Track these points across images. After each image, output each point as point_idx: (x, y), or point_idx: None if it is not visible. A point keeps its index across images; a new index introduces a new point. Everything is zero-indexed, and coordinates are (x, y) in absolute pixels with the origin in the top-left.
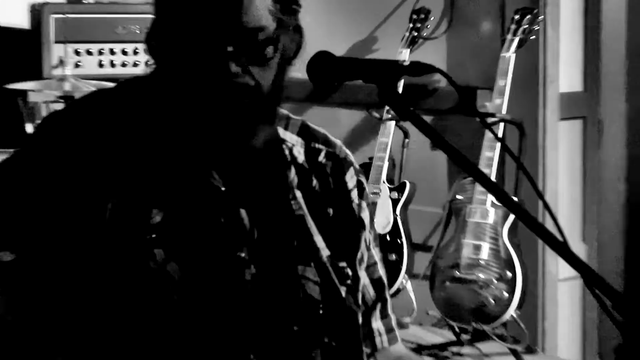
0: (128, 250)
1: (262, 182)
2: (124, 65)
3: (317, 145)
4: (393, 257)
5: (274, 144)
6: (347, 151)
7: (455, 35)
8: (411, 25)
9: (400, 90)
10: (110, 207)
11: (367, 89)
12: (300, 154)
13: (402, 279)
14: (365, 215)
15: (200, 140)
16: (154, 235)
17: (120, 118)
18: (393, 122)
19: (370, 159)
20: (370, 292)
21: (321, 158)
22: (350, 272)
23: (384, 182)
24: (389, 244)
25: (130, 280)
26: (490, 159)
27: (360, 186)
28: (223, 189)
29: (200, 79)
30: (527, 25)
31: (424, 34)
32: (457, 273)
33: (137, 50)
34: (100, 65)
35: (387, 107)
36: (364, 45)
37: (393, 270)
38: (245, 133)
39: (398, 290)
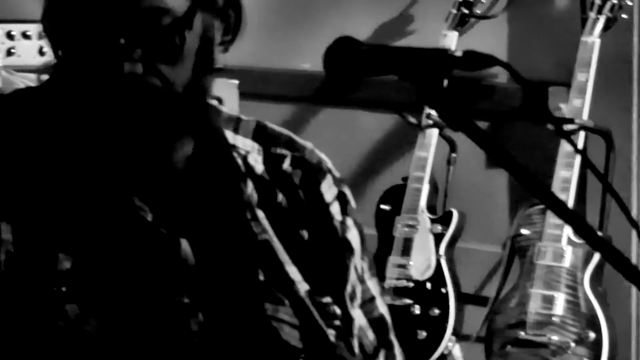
0: (29, 310)
1: (208, 203)
2: None
3: (279, 150)
4: (435, 311)
5: (221, 152)
6: (322, 155)
7: (520, 13)
8: None
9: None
10: (2, 259)
11: (398, 85)
12: (257, 163)
13: (448, 342)
14: (352, 235)
15: (110, 160)
16: (63, 288)
17: (17, 132)
18: (435, 131)
19: (405, 179)
20: (370, 336)
21: (286, 166)
22: (338, 311)
23: (423, 211)
24: (429, 294)
25: (38, 347)
26: (567, 180)
27: (342, 199)
28: (149, 218)
29: (94, 82)
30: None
31: (478, 11)
32: (523, 334)
33: None
34: (42, 52)
35: (426, 110)
36: (394, 26)
37: (435, 330)
38: (161, 146)
39: (442, 357)
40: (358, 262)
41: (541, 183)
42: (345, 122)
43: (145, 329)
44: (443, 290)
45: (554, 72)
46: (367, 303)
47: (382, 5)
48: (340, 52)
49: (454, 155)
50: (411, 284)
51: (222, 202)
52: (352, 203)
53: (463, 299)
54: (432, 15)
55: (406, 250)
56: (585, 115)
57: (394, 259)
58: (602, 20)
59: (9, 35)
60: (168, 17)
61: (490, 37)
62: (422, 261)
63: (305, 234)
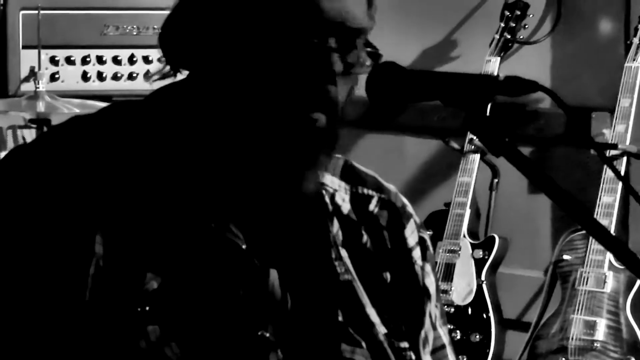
0: (112, 328)
1: (296, 238)
2: (116, 77)
3: (366, 191)
4: (477, 337)
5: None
6: (404, 199)
7: (564, 38)
8: (503, 24)
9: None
10: (92, 272)
11: (442, 111)
12: (345, 202)
13: None
14: (430, 282)
15: (218, 181)
16: (147, 308)
17: (109, 156)
18: (477, 156)
19: (447, 205)
20: None
21: (372, 207)
22: (413, 356)
23: (464, 236)
24: (471, 319)
25: None
26: (609, 205)
27: (423, 244)
28: (244, 246)
29: (279, 87)
30: None
31: (521, 37)
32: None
33: (134, 59)
34: (86, 78)
35: (469, 136)
36: (438, 51)
37: (476, 355)
38: (295, 173)
39: None
40: (433, 309)
41: (583, 208)
42: (389, 147)
43: (225, 358)
44: (484, 315)
45: (598, 98)
46: (438, 350)
47: (425, 31)
48: (383, 77)
49: (496, 180)
50: (452, 309)
51: (309, 239)
52: (431, 250)
53: (504, 324)
54: (475, 40)
55: (448, 276)
56: (628, 141)
57: None
58: None
59: (53, 60)
60: (362, 37)
61: (533, 63)
62: (463, 286)
63: (387, 276)
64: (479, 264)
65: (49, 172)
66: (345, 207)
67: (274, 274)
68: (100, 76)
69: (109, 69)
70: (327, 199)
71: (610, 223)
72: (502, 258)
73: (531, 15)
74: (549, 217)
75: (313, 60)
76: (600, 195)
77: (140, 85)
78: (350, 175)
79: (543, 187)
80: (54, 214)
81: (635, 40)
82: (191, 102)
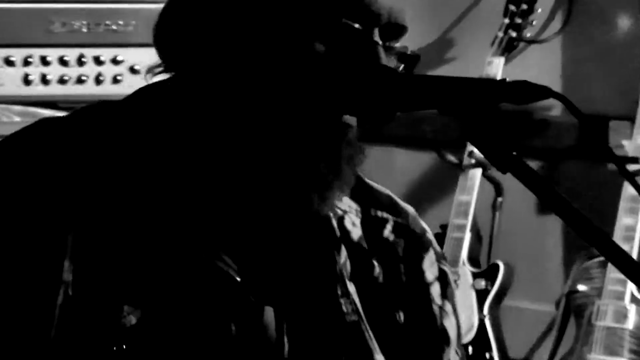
0: None
1: (297, 270)
2: (62, 81)
3: (380, 214)
4: None
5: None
6: (424, 224)
7: (576, 37)
8: (507, 20)
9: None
10: (59, 302)
11: (436, 120)
12: (355, 227)
13: None
14: (450, 324)
15: (209, 198)
16: (124, 346)
17: (80, 166)
18: (478, 171)
19: (443, 227)
20: None
21: (387, 233)
22: None
23: (464, 263)
24: (472, 359)
25: None
26: (630, 227)
27: (443, 279)
28: (238, 278)
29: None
30: None
31: (527, 35)
32: None
33: (83, 59)
34: (27, 81)
35: (468, 148)
36: (433, 52)
37: None
38: (309, 193)
39: None
40: (452, 356)
41: (600, 231)
42: (377, 160)
43: None
44: (487, 355)
45: (616, 105)
46: None
47: (418, 28)
48: (371, 82)
49: (500, 199)
50: None
51: (311, 272)
52: (453, 285)
53: None
54: (475, 39)
55: None
56: None
57: None
58: None
59: None
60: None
61: (542, 65)
62: (463, 321)
63: (400, 316)
64: (481, 295)
65: (9, 182)
66: (356, 233)
67: (269, 313)
68: (45, 79)
69: (54, 71)
70: (335, 223)
71: (632, 248)
72: (507, 289)
73: (539, 11)
74: (560, 241)
75: (355, 48)
76: (620, 217)
77: (91, 90)
78: (362, 193)
79: (554, 207)
80: (12, 232)
81: None
82: (184, 106)
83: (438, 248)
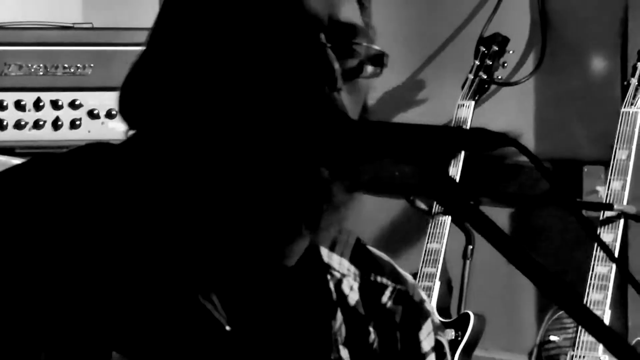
0: None
1: (290, 331)
2: (19, 126)
3: (379, 279)
4: None
5: (314, 272)
6: (423, 293)
7: (549, 79)
8: (478, 62)
9: (456, 169)
10: (43, 357)
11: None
12: (352, 291)
13: None
14: None
15: (200, 242)
16: None
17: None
18: (449, 218)
19: (413, 276)
20: None
21: (386, 299)
22: None
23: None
24: None
25: None
26: (604, 277)
27: (439, 351)
28: (228, 327)
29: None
30: None
31: (499, 77)
32: None
33: (40, 103)
34: None
35: None
36: (402, 94)
37: None
38: (277, 242)
39: None
40: None
41: (567, 290)
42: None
43: None
44: None
45: (590, 149)
46: None
47: (388, 68)
48: (324, 132)
49: (470, 247)
50: None
51: (305, 335)
52: (449, 357)
53: None
54: (446, 81)
55: None
56: (625, 200)
57: None
58: None
59: None
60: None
61: (514, 108)
62: None
63: None
64: (451, 345)
65: None
66: (353, 298)
67: None
68: (1, 125)
69: (10, 115)
70: (332, 286)
71: (606, 297)
72: (477, 339)
73: (511, 52)
74: (532, 291)
75: (305, 61)
76: (594, 265)
77: (49, 135)
78: (362, 257)
79: (515, 261)
80: None
81: (634, 81)
82: (157, 157)
83: (437, 319)
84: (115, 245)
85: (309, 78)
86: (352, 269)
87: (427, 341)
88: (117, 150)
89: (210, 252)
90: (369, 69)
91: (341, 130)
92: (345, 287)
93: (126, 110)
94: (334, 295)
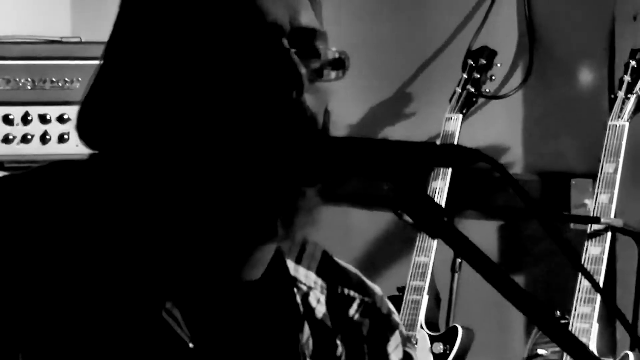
0: None
1: (256, 346)
2: (7, 140)
3: (347, 291)
4: None
5: (281, 285)
6: (390, 304)
7: (537, 92)
8: (466, 75)
9: (443, 182)
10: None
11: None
12: (320, 304)
13: None
14: None
15: (162, 254)
16: None
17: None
18: None
19: (400, 289)
20: None
21: (353, 312)
22: None
23: (422, 326)
24: None
25: None
26: (591, 291)
27: None
28: (191, 345)
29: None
30: None
31: (487, 90)
32: None
33: (28, 118)
34: None
35: None
36: (390, 108)
37: None
38: (235, 254)
39: None
40: None
41: (544, 311)
42: (332, 220)
43: None
44: None
45: (578, 162)
46: None
47: (374, 83)
48: (298, 144)
49: (458, 260)
50: None
51: (271, 349)
52: None
53: None
54: (433, 94)
55: None
56: (612, 213)
57: None
58: (632, 100)
59: None
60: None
61: (502, 121)
62: None
63: None
64: (439, 359)
65: None
66: (320, 310)
67: None
68: None
69: None
70: (299, 299)
71: (593, 310)
72: (466, 352)
73: (499, 65)
74: None
75: (271, 67)
76: (581, 279)
77: (36, 150)
78: (329, 270)
79: (491, 279)
80: None
81: (621, 94)
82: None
83: (404, 331)
84: (79, 261)
85: (276, 84)
86: (319, 281)
87: (395, 354)
88: (80, 168)
89: (172, 264)
90: (332, 73)
91: (311, 137)
92: (312, 300)
93: (85, 132)
94: (301, 309)
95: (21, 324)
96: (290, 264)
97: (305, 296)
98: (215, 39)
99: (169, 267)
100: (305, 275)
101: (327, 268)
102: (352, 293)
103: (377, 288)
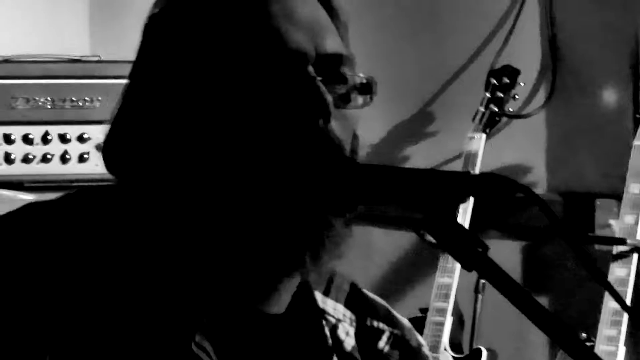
0: None
1: None
2: (27, 160)
3: (376, 324)
4: None
5: (309, 318)
6: (420, 337)
7: (561, 111)
8: (489, 94)
9: (465, 213)
10: None
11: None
12: (349, 337)
13: None
14: None
15: (191, 287)
16: None
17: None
18: None
19: (423, 311)
20: None
21: (382, 344)
22: None
23: (445, 349)
24: None
25: None
26: (617, 312)
27: None
28: None
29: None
30: None
31: (510, 109)
32: None
33: (48, 137)
34: None
35: None
36: (411, 127)
37: None
38: (264, 288)
39: None
40: None
41: (575, 338)
42: (356, 240)
43: None
44: None
45: (602, 182)
46: None
47: (395, 101)
48: (326, 174)
49: (482, 281)
50: None
51: None
52: None
53: None
54: (456, 113)
55: None
56: (639, 234)
57: None
58: None
59: None
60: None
61: (525, 140)
62: None
63: None
64: None
65: None
66: (349, 343)
67: None
68: (8, 158)
69: (18, 149)
70: (327, 331)
71: (619, 333)
72: None
73: (522, 84)
74: None
75: (297, 96)
76: (606, 301)
77: (57, 169)
78: (358, 302)
79: (525, 309)
80: None
81: None
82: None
83: None
84: (109, 293)
85: (301, 113)
86: (348, 313)
87: None
88: (109, 196)
89: (200, 296)
90: (359, 99)
91: (340, 166)
92: (341, 333)
93: (112, 163)
94: (330, 341)
95: None
96: (319, 296)
97: (333, 329)
98: (237, 70)
99: (197, 298)
100: (334, 308)
101: (355, 300)
102: (381, 325)
103: (405, 320)
